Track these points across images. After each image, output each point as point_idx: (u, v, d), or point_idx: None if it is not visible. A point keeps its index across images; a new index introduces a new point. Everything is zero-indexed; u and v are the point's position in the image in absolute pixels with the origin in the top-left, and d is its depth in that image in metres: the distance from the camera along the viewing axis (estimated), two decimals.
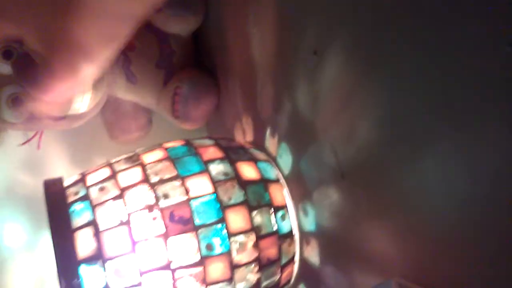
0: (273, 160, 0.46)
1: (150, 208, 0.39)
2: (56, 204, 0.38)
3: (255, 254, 0.41)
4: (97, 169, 0.43)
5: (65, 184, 0.41)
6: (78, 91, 0.51)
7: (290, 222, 0.44)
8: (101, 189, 0.40)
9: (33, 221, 0.59)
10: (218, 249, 0.39)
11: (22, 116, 0.52)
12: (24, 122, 0.53)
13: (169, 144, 0.46)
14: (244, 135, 0.52)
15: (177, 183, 0.41)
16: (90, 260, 0.37)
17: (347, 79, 0.33)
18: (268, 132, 0.46)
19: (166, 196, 0.40)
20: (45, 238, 0.58)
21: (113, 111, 0.59)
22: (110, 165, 0.43)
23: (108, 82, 0.55)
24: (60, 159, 0.60)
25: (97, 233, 0.38)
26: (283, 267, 0.43)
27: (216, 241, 0.39)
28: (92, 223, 0.38)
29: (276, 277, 0.43)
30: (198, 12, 0.54)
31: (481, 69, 0.22)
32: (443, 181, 0.26)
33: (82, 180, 0.41)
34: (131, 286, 0.37)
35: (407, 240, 0.30)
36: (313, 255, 0.43)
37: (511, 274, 0.23)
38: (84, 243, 0.37)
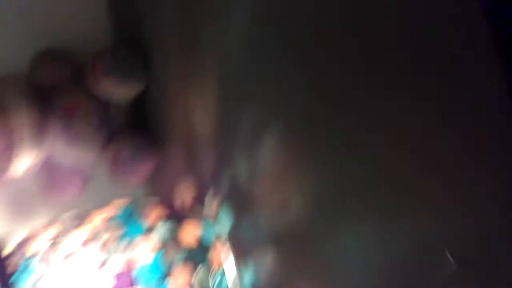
0: (212, 224, 0.49)
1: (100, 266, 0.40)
2: None
3: None
4: (36, 235, 0.43)
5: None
6: (16, 153, 0.52)
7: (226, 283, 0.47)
8: (42, 257, 0.41)
9: None
10: None
11: None
12: None
13: (112, 207, 0.47)
14: (182, 198, 0.55)
15: (120, 245, 0.42)
16: None
17: (282, 158, 0.38)
18: (207, 197, 0.50)
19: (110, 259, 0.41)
20: None
21: (51, 172, 0.59)
22: (47, 231, 0.43)
23: (46, 143, 0.55)
24: None
25: None
26: None
27: None
28: None
29: None
30: (139, 80, 0.57)
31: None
32: (361, 253, 0.31)
33: (19, 250, 0.42)
34: None
35: None
36: None
37: None
38: None
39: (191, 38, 0.47)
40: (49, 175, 0.59)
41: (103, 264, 0.41)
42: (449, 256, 0.25)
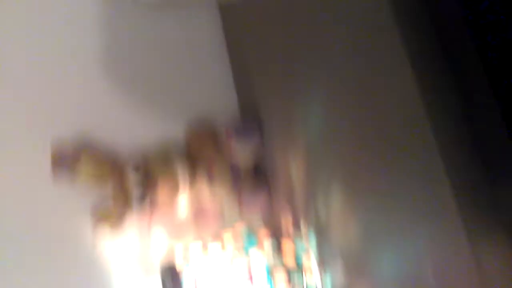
0: (304, 239, 0.73)
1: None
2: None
3: None
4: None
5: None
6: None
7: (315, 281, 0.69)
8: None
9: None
10: None
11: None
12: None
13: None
14: (286, 224, 0.80)
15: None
16: None
17: (344, 199, 0.60)
18: (302, 224, 0.74)
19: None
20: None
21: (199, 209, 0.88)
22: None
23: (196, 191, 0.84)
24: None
25: None
26: None
27: None
28: None
29: None
30: (256, 145, 0.83)
31: None
32: (389, 263, 0.52)
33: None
34: None
35: None
36: None
37: None
38: None
39: (289, 120, 0.72)
40: (198, 211, 0.88)
41: (231, 264, 0.67)
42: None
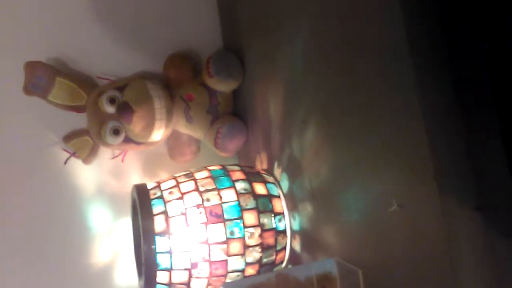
0: (277, 183, 0.71)
1: (198, 206, 0.65)
2: (144, 199, 0.64)
3: (259, 241, 0.65)
4: (167, 180, 0.69)
5: (148, 187, 0.67)
6: (155, 127, 0.78)
7: (285, 223, 0.68)
8: (170, 192, 0.66)
9: (114, 211, 0.85)
10: (237, 235, 0.64)
11: (118, 141, 0.79)
12: (118, 145, 0.80)
13: (211, 167, 0.71)
14: (261, 164, 0.77)
15: (215, 192, 0.66)
16: (161, 234, 0.63)
17: (319, 139, 0.57)
18: (276, 164, 0.71)
19: (208, 199, 0.65)
20: (122, 223, 0.85)
21: (174, 140, 0.85)
22: (175, 178, 0.69)
23: (173, 121, 0.81)
24: (135, 170, 0.87)
25: (166, 218, 0.63)
26: (277, 252, 0.67)
27: (236, 230, 0.64)
28: (164, 212, 0.64)
29: (272, 258, 0.67)
30: (237, 79, 0.80)
31: None
32: (354, 201, 0.50)
33: (158, 186, 0.68)
34: (184, 251, 0.63)
35: (345, 235, 0.54)
36: (297, 245, 0.67)
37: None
38: (158, 224, 0.63)
39: (270, 54, 0.68)
40: (173, 143, 0.86)
41: (202, 204, 0.65)
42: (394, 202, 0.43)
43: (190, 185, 0.67)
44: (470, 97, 0.40)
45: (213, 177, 0.68)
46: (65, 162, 0.84)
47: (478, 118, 0.40)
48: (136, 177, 0.86)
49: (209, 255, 0.64)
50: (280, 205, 0.68)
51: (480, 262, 0.39)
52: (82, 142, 0.82)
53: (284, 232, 0.68)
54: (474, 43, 0.39)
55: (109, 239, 0.85)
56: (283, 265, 0.70)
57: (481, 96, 0.40)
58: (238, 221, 0.65)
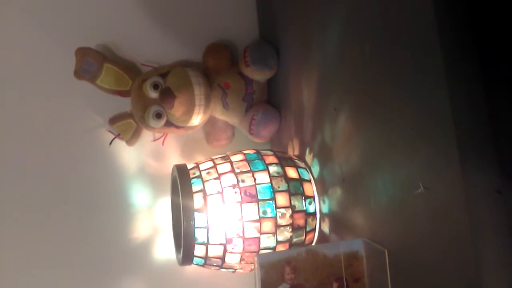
0: (308, 168, 0.74)
1: (234, 186, 0.69)
2: (184, 177, 0.69)
3: (290, 221, 0.69)
4: (205, 162, 0.74)
5: (188, 167, 0.72)
6: (195, 112, 0.83)
7: (315, 206, 0.72)
8: (208, 172, 0.71)
9: (155, 190, 0.91)
10: (269, 214, 0.68)
11: (160, 124, 0.84)
12: (160, 128, 0.85)
13: (246, 151, 0.75)
14: (293, 150, 0.81)
15: (249, 174, 0.70)
16: (200, 210, 0.68)
17: (350, 126, 0.61)
18: (307, 150, 0.75)
19: (243, 181, 0.70)
20: (161, 201, 0.90)
21: (211, 126, 0.90)
22: (212, 160, 0.73)
23: (211, 107, 0.86)
24: (175, 153, 0.92)
25: (204, 196, 0.68)
26: (307, 233, 0.71)
27: (268, 210, 0.68)
28: (202, 191, 0.69)
29: (302, 238, 0.71)
30: (272, 69, 0.84)
31: None
32: (389, 186, 0.53)
33: (196, 166, 0.73)
34: (219, 228, 0.68)
35: (372, 218, 0.57)
36: (326, 227, 0.70)
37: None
38: (197, 201, 0.68)
39: (304, 44, 0.72)
40: (210, 129, 0.90)
41: (237, 185, 0.70)
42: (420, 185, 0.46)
43: (226, 166, 0.72)
44: (496, 85, 0.42)
45: (248, 160, 0.73)
46: (110, 143, 0.90)
47: (504, 106, 0.42)
48: (174, 159, 0.91)
49: (243, 232, 0.68)
50: (310, 189, 0.72)
51: (501, 245, 0.41)
52: (126, 125, 0.88)
53: (314, 214, 0.71)
54: (499, 27, 0.42)
55: (150, 216, 0.91)
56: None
57: (508, 82, 0.42)
58: (271, 201, 0.69)
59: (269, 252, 0.68)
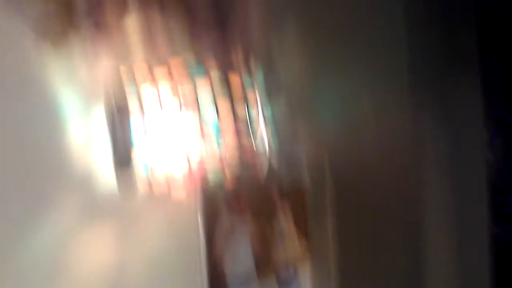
0: (252, 75, 0.72)
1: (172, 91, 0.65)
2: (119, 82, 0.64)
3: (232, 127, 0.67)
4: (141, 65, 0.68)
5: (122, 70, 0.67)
6: None
7: (258, 112, 0.70)
8: (144, 78, 0.66)
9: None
10: (210, 121, 0.66)
11: None
12: None
13: (185, 56, 0.71)
14: (236, 58, 0.77)
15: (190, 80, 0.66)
16: (136, 114, 0.64)
17: (295, 45, 0.58)
18: (252, 57, 0.72)
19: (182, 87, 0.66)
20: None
21: None
22: (148, 64, 0.68)
23: None
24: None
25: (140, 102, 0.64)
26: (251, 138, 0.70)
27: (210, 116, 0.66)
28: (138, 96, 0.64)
29: (245, 144, 0.70)
30: None
31: None
32: (336, 97, 0.52)
33: (131, 71, 0.67)
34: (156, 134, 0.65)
35: (313, 125, 0.56)
36: (269, 135, 0.69)
37: None
38: (133, 105, 0.64)
39: None
40: (146, 35, 0.84)
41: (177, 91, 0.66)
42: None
43: (164, 71, 0.67)
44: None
45: (187, 66, 0.69)
46: None
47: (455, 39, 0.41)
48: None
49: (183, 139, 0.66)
50: (253, 96, 0.70)
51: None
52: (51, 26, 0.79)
53: (257, 121, 0.70)
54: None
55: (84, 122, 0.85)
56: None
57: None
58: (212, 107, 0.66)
59: None
